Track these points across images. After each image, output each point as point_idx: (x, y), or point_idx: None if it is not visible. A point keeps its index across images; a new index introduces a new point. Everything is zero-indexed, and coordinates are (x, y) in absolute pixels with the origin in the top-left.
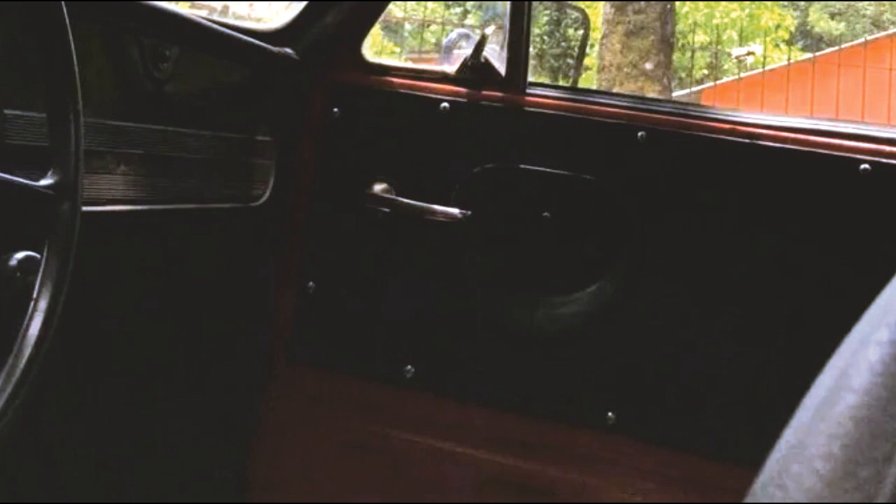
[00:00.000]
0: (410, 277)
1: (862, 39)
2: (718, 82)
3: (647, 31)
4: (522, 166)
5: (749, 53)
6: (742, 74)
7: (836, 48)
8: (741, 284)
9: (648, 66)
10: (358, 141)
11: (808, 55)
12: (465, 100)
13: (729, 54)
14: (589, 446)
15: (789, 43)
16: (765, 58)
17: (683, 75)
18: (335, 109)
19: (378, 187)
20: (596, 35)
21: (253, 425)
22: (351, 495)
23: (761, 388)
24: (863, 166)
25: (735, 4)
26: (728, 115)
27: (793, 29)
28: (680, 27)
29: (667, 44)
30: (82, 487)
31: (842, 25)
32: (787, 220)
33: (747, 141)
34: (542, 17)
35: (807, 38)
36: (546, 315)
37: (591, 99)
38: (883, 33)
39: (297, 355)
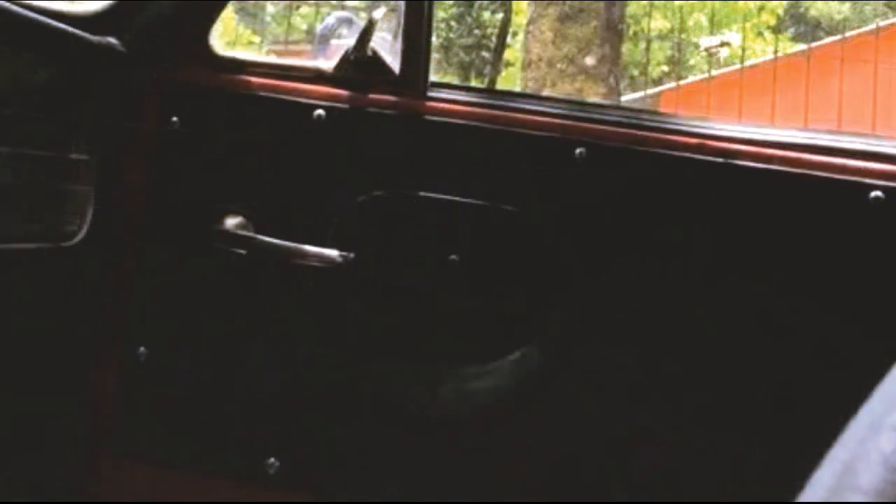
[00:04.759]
0: (274, 341)
1: (872, 26)
2: (683, 82)
3: (588, 14)
4: (422, 194)
5: (723, 44)
6: (714, 72)
7: (839, 37)
8: (712, 350)
9: (589, 60)
10: (204, 160)
11: (802, 46)
12: (346, 105)
13: (697, 45)
14: None
15: (776, 30)
16: (744, 50)
17: (636, 73)
18: (174, 118)
19: (231, 222)
20: (520, 20)
21: None
22: None
23: (738, 487)
24: (874, 193)
25: None
26: (695, 127)
27: (781, 12)
28: (631, 10)
29: (614, 32)
30: None
31: (846, 8)
32: (774, 265)
33: (721, 160)
34: None
35: (799, 23)
36: (453, 392)
37: (513, 105)
38: None
39: (124, 445)
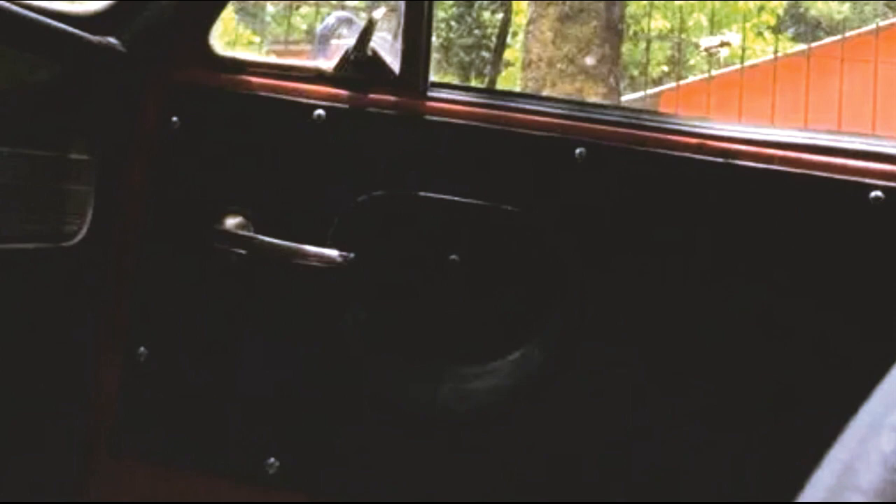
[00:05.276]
0: (274, 341)
1: (872, 26)
2: (683, 82)
3: (588, 14)
4: (422, 194)
5: (723, 44)
6: (714, 72)
7: (839, 37)
8: (712, 350)
9: (589, 60)
10: (204, 160)
11: (802, 46)
12: (346, 105)
13: (697, 45)
14: None
15: (776, 30)
16: (744, 50)
17: (636, 73)
18: (174, 118)
19: (231, 222)
20: (520, 20)
21: None
22: None
23: (738, 486)
24: (873, 193)
25: None
26: (695, 127)
27: (781, 12)
28: (631, 10)
29: (614, 31)
30: None
31: (846, 8)
32: (774, 265)
33: (721, 160)
34: None
35: (799, 23)
36: (454, 391)
37: (513, 105)
38: None
39: (124, 445)
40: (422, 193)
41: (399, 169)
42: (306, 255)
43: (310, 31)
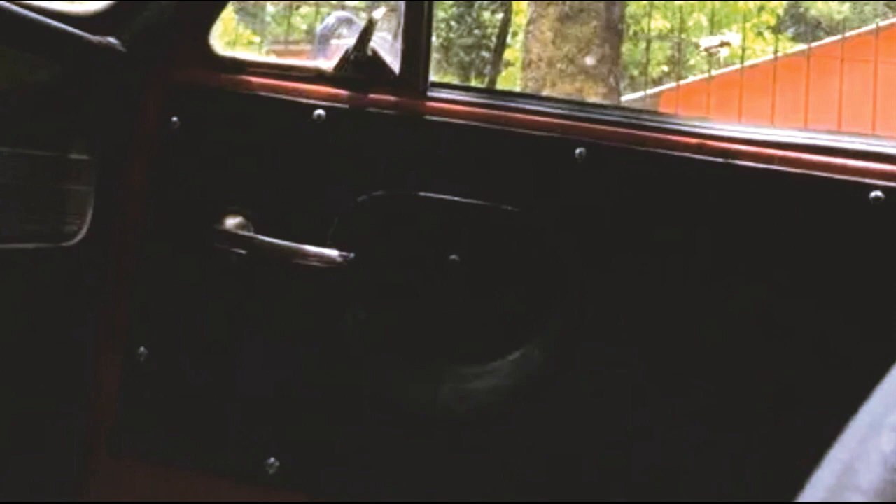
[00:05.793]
0: (274, 341)
1: (872, 26)
2: (683, 82)
3: (588, 14)
4: (422, 194)
5: (723, 44)
6: (714, 72)
7: (839, 37)
8: (712, 350)
9: (589, 60)
10: (204, 160)
11: (802, 46)
12: (346, 105)
13: (697, 45)
14: None
15: (776, 30)
16: (744, 50)
17: (636, 73)
18: (174, 118)
19: (231, 222)
20: (520, 20)
21: None
22: None
23: (738, 486)
24: (873, 193)
25: None
26: (695, 127)
27: (781, 12)
28: (631, 10)
29: (614, 31)
30: None
31: (846, 8)
32: (774, 265)
33: (721, 160)
34: None
35: (799, 23)
36: (454, 391)
37: (513, 105)
38: None
39: (124, 445)
40: (422, 193)
41: (399, 169)
42: (306, 255)
43: (310, 31)
